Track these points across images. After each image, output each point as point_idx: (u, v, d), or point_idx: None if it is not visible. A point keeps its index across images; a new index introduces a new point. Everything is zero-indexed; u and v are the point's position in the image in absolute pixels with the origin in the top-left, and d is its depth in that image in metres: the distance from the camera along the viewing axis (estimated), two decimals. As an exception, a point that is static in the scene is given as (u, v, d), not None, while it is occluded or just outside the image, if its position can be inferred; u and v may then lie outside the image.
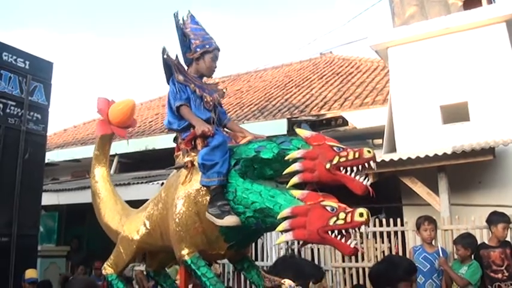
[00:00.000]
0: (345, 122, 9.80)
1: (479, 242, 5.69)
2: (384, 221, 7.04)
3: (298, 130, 3.38)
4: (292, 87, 13.48)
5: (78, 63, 50.34)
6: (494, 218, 5.54)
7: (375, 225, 7.09)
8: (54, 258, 10.38)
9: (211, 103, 3.95)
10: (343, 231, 3.01)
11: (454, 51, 7.72)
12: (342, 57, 15.46)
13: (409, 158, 6.69)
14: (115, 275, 4.29)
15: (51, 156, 12.06)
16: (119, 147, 10.75)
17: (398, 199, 7.94)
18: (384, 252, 7.04)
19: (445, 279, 5.51)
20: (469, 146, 6.62)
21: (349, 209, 3.05)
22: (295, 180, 3.21)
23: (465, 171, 6.99)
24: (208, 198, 3.55)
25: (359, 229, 3.02)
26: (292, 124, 10.23)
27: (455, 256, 5.55)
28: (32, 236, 7.50)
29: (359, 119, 9.62)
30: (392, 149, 8.03)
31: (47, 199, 9.48)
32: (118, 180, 9.99)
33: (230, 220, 3.33)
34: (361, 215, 2.96)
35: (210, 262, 4.19)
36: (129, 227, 4.31)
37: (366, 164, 3.09)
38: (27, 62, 7.56)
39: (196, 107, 3.84)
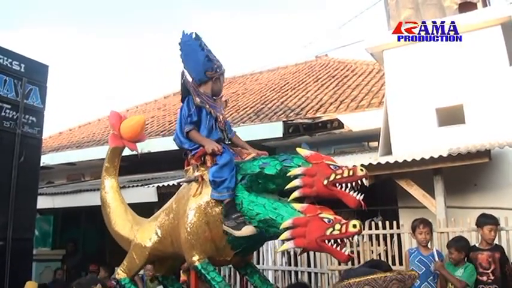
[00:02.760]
0: (340, 125, 9.81)
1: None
2: (379, 223, 7.03)
3: (298, 149, 3.77)
4: (287, 90, 13.50)
5: (74, 66, 50.26)
6: (481, 220, 5.54)
7: (370, 228, 7.09)
8: (49, 262, 10.33)
9: (223, 121, 4.35)
10: (339, 240, 3.41)
11: (449, 54, 7.73)
12: (338, 60, 15.49)
13: (405, 161, 6.69)
14: (128, 279, 4.66)
15: (46, 160, 12.01)
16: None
17: (394, 202, 7.94)
18: (380, 255, 7.04)
19: (440, 282, 5.50)
20: (464, 148, 6.63)
21: (344, 221, 3.45)
22: (296, 194, 3.60)
23: (461, 173, 7.00)
24: (217, 209, 3.95)
25: (353, 238, 3.48)
26: (288, 127, 10.25)
27: (449, 259, 5.54)
28: (27, 239, 7.47)
29: (355, 121, 9.64)
30: (388, 151, 8.04)
31: (42, 202, 9.44)
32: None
33: (247, 230, 3.74)
34: (354, 226, 3.36)
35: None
36: (142, 235, 4.64)
37: (359, 181, 3.50)
38: (23, 65, 7.54)
39: (209, 127, 4.20)
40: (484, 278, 5.30)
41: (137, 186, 9.29)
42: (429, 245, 5.81)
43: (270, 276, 8.10)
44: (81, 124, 17.14)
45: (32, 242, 7.82)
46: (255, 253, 7.88)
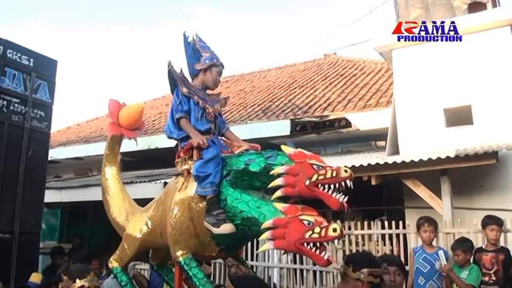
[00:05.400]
0: (348, 124, 9.79)
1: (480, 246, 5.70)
2: (386, 223, 7.03)
3: (283, 147, 3.65)
4: (295, 88, 13.48)
5: (83, 60, 50.45)
6: (484, 221, 5.57)
7: (377, 228, 7.09)
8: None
9: (212, 114, 4.26)
10: (318, 243, 3.28)
11: (458, 54, 7.71)
12: (346, 58, 15.46)
13: (412, 161, 6.68)
14: (120, 268, 4.68)
15: (54, 154, 12.08)
16: (122, 145, 10.73)
17: (400, 201, 7.94)
18: (385, 254, 7.03)
19: (445, 281, 5.50)
20: (472, 149, 6.61)
21: (324, 224, 3.32)
22: (278, 193, 3.47)
23: (468, 174, 6.98)
24: (201, 205, 3.87)
25: (333, 242, 3.20)
26: (296, 125, 10.24)
27: (454, 261, 5.54)
28: (34, 233, 7.51)
29: (362, 120, 9.62)
30: (396, 151, 8.03)
31: (50, 196, 9.50)
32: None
33: (226, 228, 3.63)
34: (334, 230, 3.23)
35: (202, 262, 4.65)
36: (133, 225, 4.67)
37: (343, 183, 3.32)
38: (32, 60, 7.57)
39: (198, 118, 4.15)
40: (486, 279, 5.32)
41: (144, 182, 9.33)
42: (434, 244, 5.81)
43: (275, 274, 8.11)
44: (89, 119, 17.22)
45: (39, 236, 7.87)
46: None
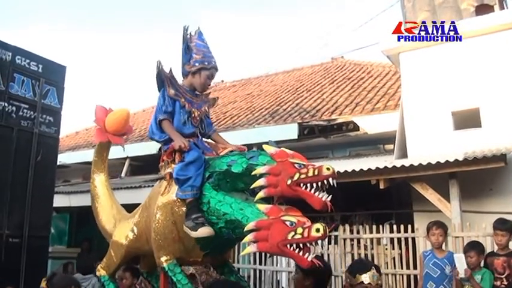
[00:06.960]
0: (356, 127, 9.79)
1: (490, 250, 5.66)
2: (394, 227, 7.01)
3: (264, 146, 3.57)
4: (303, 91, 13.48)
5: (89, 65, 50.64)
6: (494, 225, 5.51)
7: (385, 232, 7.07)
8: (64, 259, 10.42)
9: (198, 118, 4.15)
10: (301, 244, 3.18)
11: (466, 57, 7.69)
12: (354, 61, 15.45)
13: (420, 164, 6.67)
14: (107, 276, 4.70)
15: (62, 159, 12.13)
16: (131, 150, 10.77)
17: (409, 205, 7.91)
18: (394, 258, 7.01)
19: (456, 285, 5.46)
20: (480, 152, 6.58)
21: (307, 224, 3.23)
22: (260, 194, 3.39)
23: (476, 177, 6.95)
24: (184, 208, 3.77)
25: (316, 243, 3.22)
26: (303, 129, 10.24)
27: (466, 264, 5.49)
28: (43, 237, 7.55)
29: (370, 124, 9.61)
30: (404, 154, 8.01)
31: (59, 201, 9.54)
32: (130, 183, 10.03)
33: (203, 231, 3.56)
34: (317, 230, 3.14)
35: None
36: (119, 232, 4.64)
37: (325, 181, 3.23)
38: (41, 66, 7.61)
39: (182, 121, 4.05)
40: (498, 283, 5.25)
41: (152, 186, 9.33)
42: (444, 248, 5.77)
43: (284, 278, 8.10)
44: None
45: (48, 240, 7.91)
46: (268, 254, 7.90)
